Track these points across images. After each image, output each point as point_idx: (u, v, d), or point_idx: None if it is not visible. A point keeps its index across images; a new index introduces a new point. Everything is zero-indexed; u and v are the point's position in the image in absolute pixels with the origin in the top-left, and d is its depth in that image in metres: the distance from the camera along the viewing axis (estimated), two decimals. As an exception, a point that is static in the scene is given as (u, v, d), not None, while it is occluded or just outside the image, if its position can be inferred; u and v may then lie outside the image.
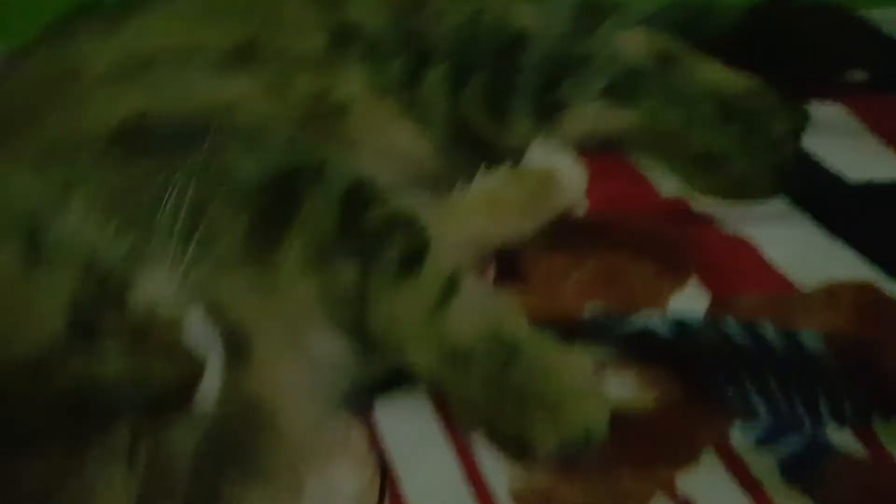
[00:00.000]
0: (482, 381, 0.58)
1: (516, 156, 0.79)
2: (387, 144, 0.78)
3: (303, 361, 0.59)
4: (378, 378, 0.64)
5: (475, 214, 0.72)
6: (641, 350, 0.62)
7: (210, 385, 0.45)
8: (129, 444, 0.42)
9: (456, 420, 0.61)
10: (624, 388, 0.61)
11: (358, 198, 0.63)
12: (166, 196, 0.50)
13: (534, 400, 0.56)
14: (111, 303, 0.44)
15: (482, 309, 0.60)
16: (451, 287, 0.61)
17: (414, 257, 0.61)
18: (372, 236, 0.62)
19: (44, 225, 0.47)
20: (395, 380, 0.64)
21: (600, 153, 0.82)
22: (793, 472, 0.54)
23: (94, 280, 0.44)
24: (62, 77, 0.71)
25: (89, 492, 0.41)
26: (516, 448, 0.57)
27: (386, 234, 0.62)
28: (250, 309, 0.55)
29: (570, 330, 0.62)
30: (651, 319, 0.63)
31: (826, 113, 0.84)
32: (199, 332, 0.46)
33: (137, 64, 0.71)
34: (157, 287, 0.47)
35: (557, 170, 0.75)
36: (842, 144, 0.80)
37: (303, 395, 0.58)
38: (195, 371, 0.44)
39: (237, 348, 0.51)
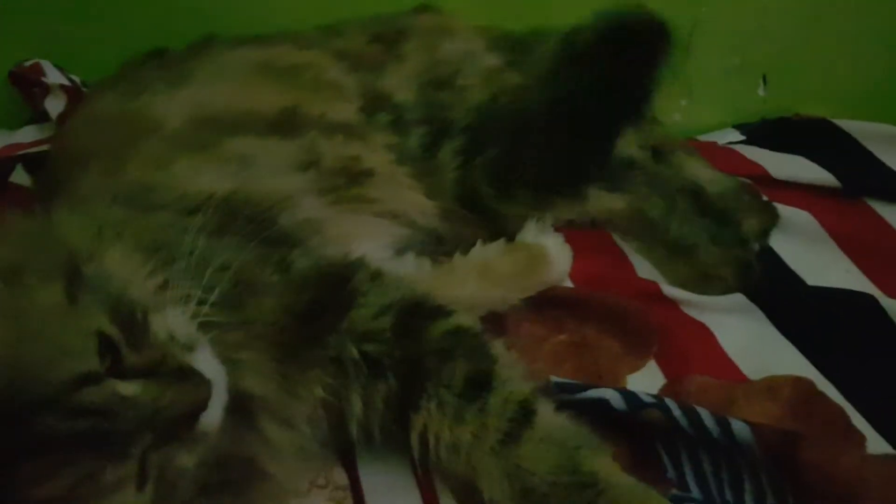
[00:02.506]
0: None
1: (516, 226, 0.85)
2: (398, 209, 0.82)
3: (299, 438, 0.61)
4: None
5: (469, 279, 0.76)
6: (597, 416, 0.65)
7: (214, 411, 0.49)
8: (141, 462, 0.46)
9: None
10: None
11: (419, 310, 0.63)
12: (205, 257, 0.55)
13: None
14: (136, 333, 0.48)
15: (558, 442, 0.58)
16: (524, 414, 0.59)
17: (480, 382, 0.60)
18: (432, 352, 0.61)
19: (85, 261, 0.51)
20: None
21: (589, 231, 0.89)
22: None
23: (123, 311, 0.49)
24: (138, 127, 0.76)
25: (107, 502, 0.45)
26: None
27: (448, 353, 0.61)
28: (267, 389, 0.57)
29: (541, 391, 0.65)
30: (608, 390, 0.67)
31: (794, 216, 0.89)
32: (208, 362, 0.51)
33: (205, 127, 0.76)
34: (176, 321, 0.51)
35: (547, 247, 0.80)
36: (805, 248, 0.86)
37: (292, 452, 0.60)
38: (204, 393, 0.48)
39: (242, 413, 0.55)
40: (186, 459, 0.48)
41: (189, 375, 0.48)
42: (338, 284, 0.63)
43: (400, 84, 0.88)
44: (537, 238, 0.81)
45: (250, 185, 0.70)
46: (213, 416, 0.49)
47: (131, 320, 0.49)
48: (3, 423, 0.43)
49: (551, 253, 0.80)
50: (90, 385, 0.45)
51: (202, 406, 0.48)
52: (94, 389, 0.45)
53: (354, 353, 0.60)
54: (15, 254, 0.51)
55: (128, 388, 0.46)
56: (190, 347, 0.50)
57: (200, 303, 0.53)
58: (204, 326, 0.53)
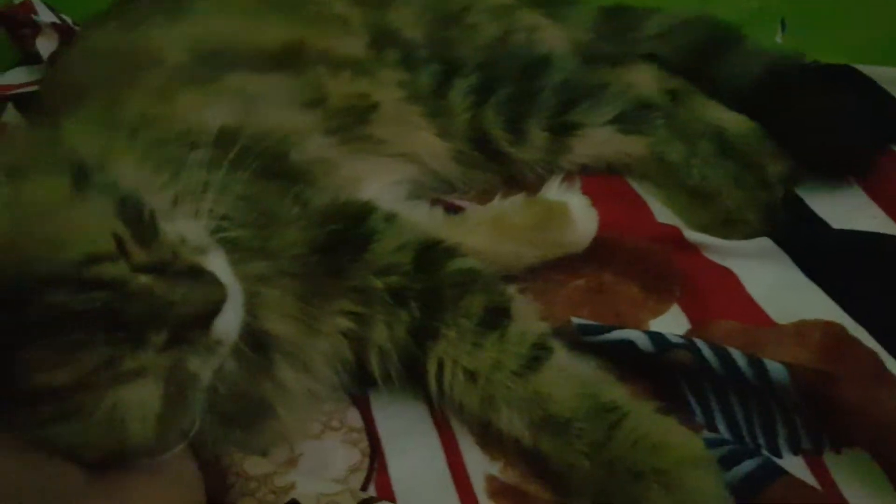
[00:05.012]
0: (587, 448, 0.54)
1: (529, 174, 0.81)
2: (408, 150, 0.79)
3: (313, 382, 0.60)
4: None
5: (481, 228, 0.72)
6: (621, 358, 0.63)
7: (228, 317, 0.47)
8: (156, 358, 0.43)
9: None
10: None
11: (434, 249, 0.63)
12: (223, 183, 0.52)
13: (647, 474, 0.52)
14: (144, 231, 0.46)
15: (577, 374, 0.58)
16: (541, 349, 0.59)
17: (497, 314, 0.60)
18: (450, 286, 0.60)
19: (93, 168, 0.49)
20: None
21: (605, 176, 0.85)
22: (744, 490, 0.55)
23: (130, 208, 0.46)
24: (138, 58, 0.72)
25: (120, 393, 0.42)
26: None
27: (465, 286, 0.61)
28: (287, 329, 0.56)
29: (558, 334, 0.63)
30: (633, 332, 0.64)
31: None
32: (223, 269, 0.48)
33: (207, 61, 0.72)
34: (188, 228, 0.49)
35: (570, 206, 0.73)
36: (830, 194, 0.82)
37: (305, 396, 0.59)
38: (217, 294, 0.46)
39: (259, 353, 0.53)
40: (199, 367, 0.46)
41: (201, 275, 0.46)
42: (355, 222, 0.62)
43: (407, 20, 0.85)
44: (560, 196, 0.75)
45: (256, 120, 0.66)
46: (227, 322, 0.47)
47: (138, 218, 0.46)
48: (13, 301, 0.41)
49: (574, 212, 0.73)
50: (104, 262, 0.43)
51: (215, 308, 0.46)
52: (108, 266, 0.43)
53: (378, 283, 0.59)
54: (19, 155, 0.49)
55: (140, 279, 0.44)
56: (202, 251, 0.48)
57: (215, 217, 0.51)
58: (225, 244, 0.51)
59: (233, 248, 0.50)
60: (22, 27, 0.99)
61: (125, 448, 0.44)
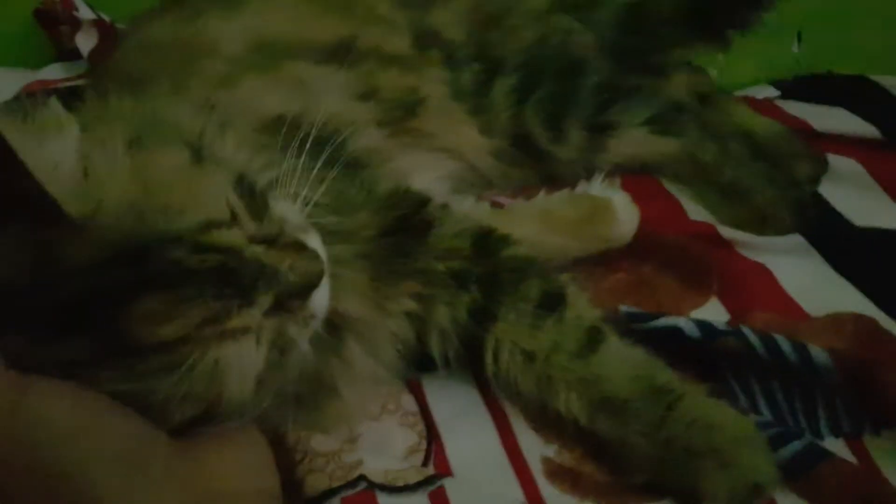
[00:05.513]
0: (644, 428, 0.56)
1: (568, 172, 0.83)
2: (452, 145, 0.81)
3: (376, 363, 0.61)
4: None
5: (529, 221, 0.74)
6: (669, 345, 0.65)
7: (323, 292, 0.49)
8: (260, 320, 0.45)
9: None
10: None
11: (489, 237, 0.65)
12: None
13: (703, 452, 0.54)
14: (256, 206, 0.48)
15: (631, 357, 0.60)
16: (597, 333, 0.61)
17: (554, 299, 0.62)
18: (508, 271, 0.63)
19: (206, 144, 0.52)
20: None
21: (639, 175, 0.87)
22: (792, 470, 0.57)
23: (245, 184, 0.49)
24: (195, 51, 0.74)
25: (224, 349, 0.44)
26: (684, 497, 0.56)
27: (522, 272, 0.63)
28: (361, 310, 0.58)
29: (607, 322, 0.64)
30: (681, 319, 0.66)
31: (842, 164, 0.88)
32: (321, 248, 0.51)
33: (265, 51, 0.75)
34: (288, 210, 0.51)
35: (613, 202, 0.76)
36: (853, 194, 0.85)
37: (369, 378, 0.61)
38: (319, 266, 0.48)
39: (332, 333, 0.55)
40: (297, 333, 0.48)
41: (304, 250, 0.49)
42: (416, 209, 0.64)
43: (448, 21, 0.87)
44: (604, 192, 0.78)
45: (315, 108, 0.68)
46: (322, 297, 0.49)
47: (251, 193, 0.49)
48: (134, 257, 0.43)
49: (617, 208, 0.76)
50: (221, 228, 0.45)
51: (316, 280, 0.48)
52: (225, 231, 0.45)
53: (440, 267, 0.61)
54: (126, 127, 0.49)
55: (252, 247, 0.46)
56: (303, 230, 0.50)
57: (307, 203, 0.53)
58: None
59: (320, 232, 0.52)
60: (61, 23, 1.00)
61: (220, 405, 0.45)
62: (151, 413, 0.45)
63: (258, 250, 0.46)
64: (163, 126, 0.53)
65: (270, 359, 0.47)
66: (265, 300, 0.46)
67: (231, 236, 0.45)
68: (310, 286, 0.48)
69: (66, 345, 0.43)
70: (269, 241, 0.47)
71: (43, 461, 0.41)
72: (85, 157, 0.45)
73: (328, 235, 0.53)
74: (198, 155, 0.49)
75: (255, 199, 0.48)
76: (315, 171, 0.54)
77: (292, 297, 0.47)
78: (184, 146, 0.49)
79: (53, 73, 1.02)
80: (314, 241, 0.50)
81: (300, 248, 0.48)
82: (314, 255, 0.49)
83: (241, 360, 0.45)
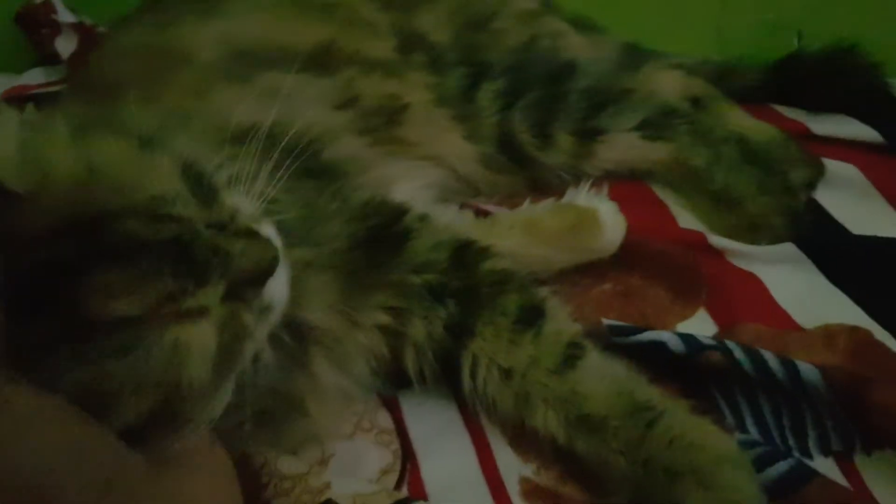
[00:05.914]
0: (623, 446, 0.55)
1: (554, 179, 0.81)
2: (436, 153, 0.80)
3: (346, 379, 0.60)
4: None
5: (513, 231, 0.73)
6: (651, 360, 0.63)
7: (279, 282, 0.48)
8: (216, 305, 0.44)
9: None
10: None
11: (469, 249, 0.63)
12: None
13: (683, 472, 0.52)
14: (203, 193, 0.47)
15: (611, 373, 0.58)
16: (576, 348, 0.59)
17: (533, 313, 0.60)
18: (486, 284, 0.61)
19: (157, 137, 0.50)
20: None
21: (628, 182, 0.85)
22: (778, 491, 0.55)
23: (192, 172, 0.48)
24: (169, 59, 0.73)
25: (181, 330, 0.43)
26: None
27: (500, 285, 0.61)
28: (327, 322, 0.57)
29: (590, 336, 0.63)
30: (664, 333, 0.65)
31: (840, 169, 0.85)
32: (275, 236, 0.49)
33: (240, 60, 0.73)
34: (241, 202, 0.50)
35: (599, 211, 0.74)
36: (850, 200, 0.82)
37: (338, 395, 0.59)
38: (272, 252, 0.47)
39: (297, 345, 0.54)
40: (252, 321, 0.47)
41: (256, 236, 0.47)
42: (393, 220, 0.63)
43: (434, 24, 0.86)
44: (589, 202, 0.76)
45: (289, 118, 0.66)
46: (277, 287, 0.48)
47: (199, 181, 0.47)
48: (87, 229, 0.42)
49: (603, 218, 0.74)
50: (175, 203, 0.44)
51: (270, 268, 0.47)
52: (178, 205, 0.44)
53: (416, 280, 0.60)
54: (78, 119, 0.49)
55: (204, 230, 0.45)
56: (256, 220, 0.49)
57: (265, 200, 0.51)
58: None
59: (280, 231, 0.51)
60: (41, 27, 0.99)
61: (178, 398, 0.44)
62: (108, 406, 0.43)
63: (210, 233, 0.45)
64: (111, 120, 0.52)
65: (226, 344, 0.45)
66: (219, 282, 0.44)
67: (184, 209, 0.45)
68: (263, 273, 0.47)
69: (31, 328, 0.41)
70: (220, 227, 0.46)
71: (17, 484, 0.39)
72: (25, 142, 0.45)
73: (292, 237, 0.52)
74: (146, 143, 0.48)
75: (202, 186, 0.47)
76: (279, 174, 0.53)
77: (246, 284, 0.46)
78: (132, 137, 0.48)
79: (35, 77, 1.01)
80: (267, 231, 0.49)
81: (252, 234, 0.47)
82: (266, 242, 0.47)
83: (198, 341, 0.44)
